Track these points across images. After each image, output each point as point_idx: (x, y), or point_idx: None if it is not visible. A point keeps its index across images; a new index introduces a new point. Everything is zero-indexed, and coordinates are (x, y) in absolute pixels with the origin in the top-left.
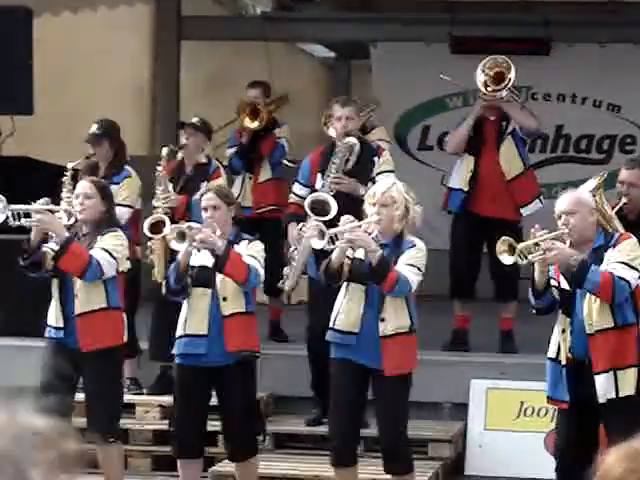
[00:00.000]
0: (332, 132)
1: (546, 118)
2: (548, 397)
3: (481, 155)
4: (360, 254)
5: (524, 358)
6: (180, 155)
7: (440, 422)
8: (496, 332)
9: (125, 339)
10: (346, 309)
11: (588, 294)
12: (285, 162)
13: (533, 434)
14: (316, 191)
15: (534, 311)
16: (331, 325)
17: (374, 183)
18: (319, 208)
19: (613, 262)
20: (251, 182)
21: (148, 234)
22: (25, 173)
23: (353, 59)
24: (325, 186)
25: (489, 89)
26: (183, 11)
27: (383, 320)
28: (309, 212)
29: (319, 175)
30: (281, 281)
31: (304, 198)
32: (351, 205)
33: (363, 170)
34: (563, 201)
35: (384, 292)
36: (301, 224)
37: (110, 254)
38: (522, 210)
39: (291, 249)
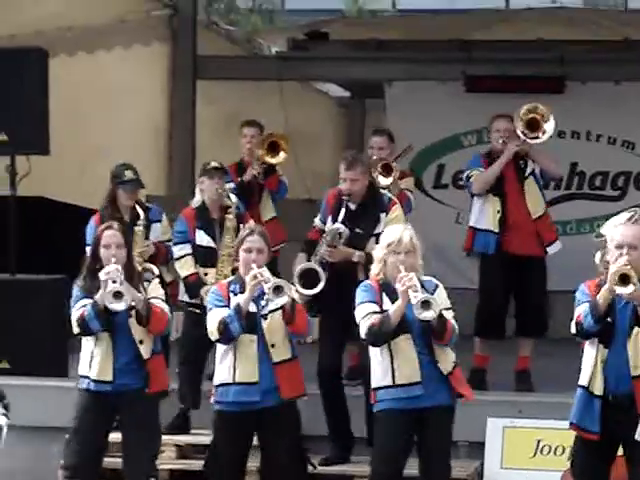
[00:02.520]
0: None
1: (561, 155)
2: (572, 424)
3: (507, 195)
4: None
5: (540, 396)
6: (197, 200)
7: (457, 461)
8: (512, 370)
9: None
10: (402, 361)
11: (635, 333)
12: None
13: (549, 473)
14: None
15: (576, 332)
16: (389, 383)
17: (377, 242)
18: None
19: None
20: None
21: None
22: (41, 213)
23: (368, 98)
24: (318, 255)
25: (529, 136)
26: (199, 51)
27: (437, 362)
28: (298, 286)
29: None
30: None
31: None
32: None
33: (367, 227)
34: (628, 233)
35: (441, 344)
36: None
37: (166, 302)
38: (548, 249)
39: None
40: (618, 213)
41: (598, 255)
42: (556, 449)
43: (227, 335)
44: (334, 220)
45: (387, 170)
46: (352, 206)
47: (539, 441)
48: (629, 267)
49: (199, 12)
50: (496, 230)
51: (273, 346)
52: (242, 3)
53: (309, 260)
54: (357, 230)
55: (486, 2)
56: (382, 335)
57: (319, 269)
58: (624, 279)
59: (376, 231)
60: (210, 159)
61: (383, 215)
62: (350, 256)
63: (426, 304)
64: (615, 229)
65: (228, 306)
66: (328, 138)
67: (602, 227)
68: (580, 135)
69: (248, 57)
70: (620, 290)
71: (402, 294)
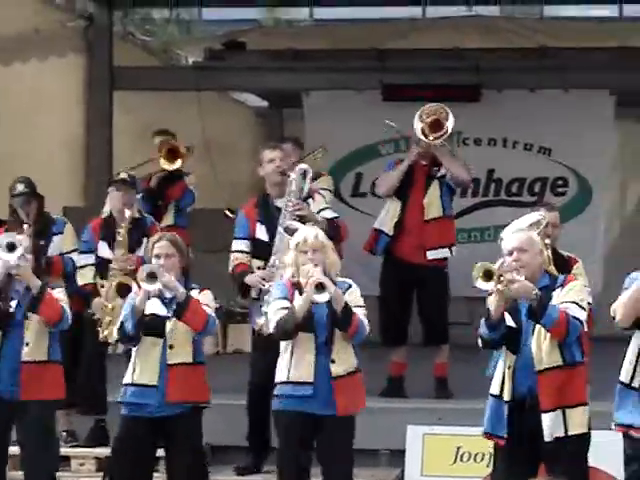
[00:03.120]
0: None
1: (477, 163)
2: (487, 433)
3: (408, 199)
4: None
5: (459, 403)
6: (106, 211)
7: (378, 469)
8: (431, 378)
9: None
10: (297, 359)
11: (537, 331)
12: (226, 212)
13: (470, 479)
14: (258, 240)
15: (482, 344)
16: (283, 379)
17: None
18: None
19: (565, 302)
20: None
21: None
22: None
23: (285, 108)
24: (287, 217)
25: (429, 137)
26: (115, 61)
27: (334, 362)
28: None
29: (258, 224)
30: (259, 326)
31: (248, 252)
32: None
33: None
34: (515, 238)
35: (349, 338)
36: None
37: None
38: (428, 253)
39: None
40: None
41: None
42: (476, 456)
43: (124, 334)
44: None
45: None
46: (278, 203)
47: (459, 448)
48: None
49: (115, 23)
50: (390, 233)
51: (172, 347)
52: (158, 13)
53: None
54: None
55: (402, 11)
56: (288, 330)
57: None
58: (488, 274)
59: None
60: (126, 169)
61: (310, 201)
62: (314, 218)
63: (320, 286)
64: (507, 235)
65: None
66: (246, 148)
67: (503, 232)
68: (497, 142)
69: (165, 67)
70: (480, 285)
71: (305, 287)
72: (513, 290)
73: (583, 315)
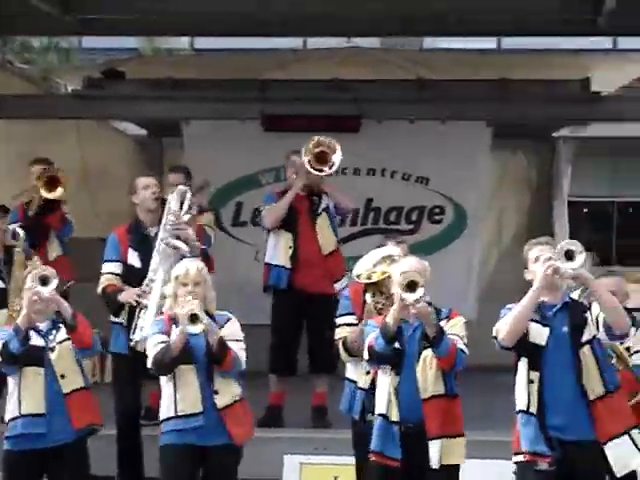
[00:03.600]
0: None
1: (356, 192)
2: (375, 452)
3: (299, 231)
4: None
5: (337, 433)
6: None
7: None
8: (309, 407)
9: None
10: (182, 393)
11: (422, 359)
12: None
13: None
14: (130, 266)
15: (369, 356)
16: (171, 414)
17: None
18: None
19: (451, 334)
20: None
21: None
22: None
23: (165, 137)
24: (166, 234)
25: (316, 169)
26: None
27: (217, 392)
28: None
29: (130, 250)
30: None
31: (119, 274)
32: None
33: None
34: (408, 265)
35: (221, 371)
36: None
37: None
38: (336, 285)
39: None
40: (414, 245)
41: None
42: None
43: (6, 354)
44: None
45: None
46: (152, 230)
47: (336, 478)
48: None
49: None
50: (288, 266)
51: (63, 377)
52: (37, 41)
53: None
54: None
55: (284, 42)
56: (165, 364)
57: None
58: (411, 286)
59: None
60: (5, 198)
61: None
62: (192, 241)
63: (194, 318)
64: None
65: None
66: (124, 176)
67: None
68: (375, 172)
69: (44, 95)
70: (407, 296)
71: (181, 319)
72: (422, 310)
73: (466, 349)
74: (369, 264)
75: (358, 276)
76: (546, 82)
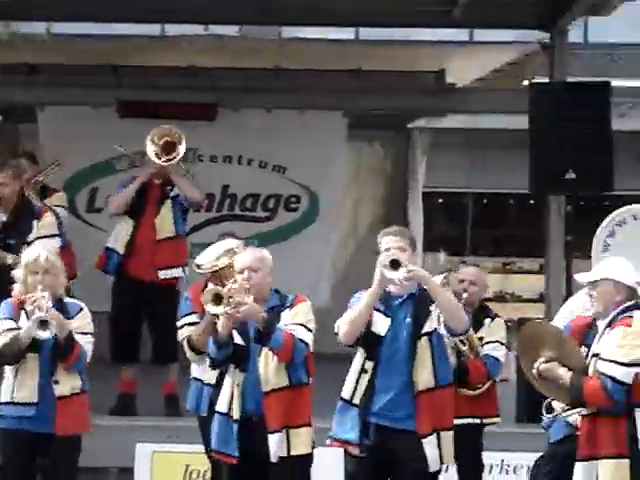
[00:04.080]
0: None
1: (213, 179)
2: (214, 450)
3: (141, 218)
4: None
5: (189, 421)
6: None
7: None
8: (162, 395)
9: None
10: (20, 380)
11: (264, 352)
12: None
13: None
14: None
15: (210, 363)
16: (7, 399)
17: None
18: None
19: (293, 324)
20: None
21: None
22: None
23: (21, 123)
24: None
25: (162, 160)
26: None
27: (57, 383)
28: None
29: None
30: None
31: None
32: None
33: (18, 233)
34: (247, 257)
35: (67, 368)
36: None
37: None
38: (159, 273)
39: None
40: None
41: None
42: (205, 473)
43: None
44: None
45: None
46: (3, 217)
47: (188, 466)
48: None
49: None
50: (121, 252)
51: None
52: None
53: None
54: (10, 241)
55: (140, 29)
56: (12, 353)
57: None
58: (217, 299)
59: (29, 238)
60: None
61: (35, 222)
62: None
63: (44, 324)
64: (239, 256)
65: None
66: None
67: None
68: (232, 159)
69: None
70: (211, 309)
71: (31, 322)
72: (242, 313)
73: (309, 337)
74: (212, 256)
75: (199, 266)
76: (402, 73)
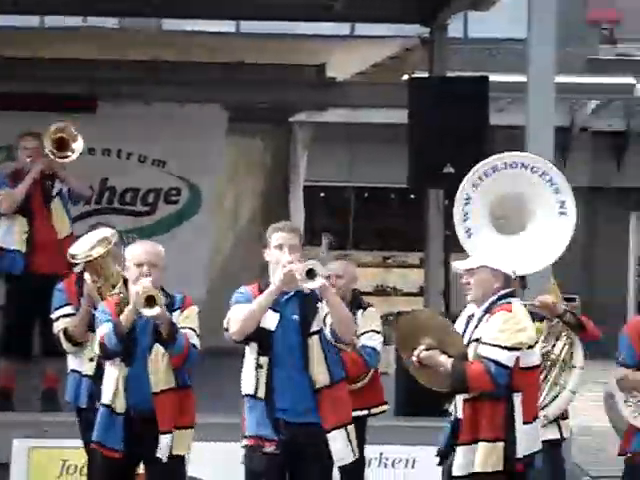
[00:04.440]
0: None
1: (91, 172)
2: (96, 442)
3: (33, 215)
4: None
5: (66, 416)
6: None
7: None
8: (40, 390)
9: None
10: None
11: (154, 352)
12: None
13: None
14: None
15: (102, 353)
16: None
17: None
18: None
19: (185, 327)
20: None
21: None
22: None
23: None
24: None
25: (57, 155)
26: None
27: None
28: None
29: None
30: None
31: None
32: None
33: None
34: (144, 252)
35: None
36: None
37: None
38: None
39: None
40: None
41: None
42: (82, 468)
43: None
44: None
45: None
46: None
47: (65, 461)
48: (154, 288)
49: None
50: (23, 250)
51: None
52: None
53: None
54: None
55: (21, 20)
56: None
57: None
58: (150, 300)
59: None
60: None
61: None
62: None
63: None
64: (131, 248)
65: None
66: None
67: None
68: (111, 153)
69: None
70: (147, 312)
71: None
72: (159, 314)
73: (198, 342)
74: (86, 246)
75: (73, 257)
76: (282, 67)
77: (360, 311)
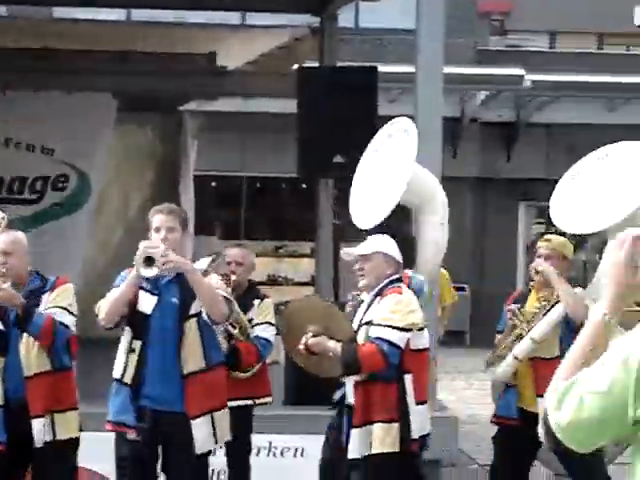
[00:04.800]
0: None
1: None
2: None
3: None
4: None
5: None
6: None
7: None
8: None
9: None
10: None
11: (25, 336)
12: None
13: None
14: None
15: None
16: None
17: None
18: None
19: (52, 307)
20: None
21: None
22: None
23: None
24: None
25: None
26: None
27: None
28: None
29: None
30: None
31: None
32: None
33: None
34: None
35: None
36: None
37: None
38: None
39: None
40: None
41: None
42: None
43: None
44: None
45: None
46: None
47: None
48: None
49: None
50: None
51: None
52: None
53: None
54: None
55: None
56: None
57: None
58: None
59: None
60: None
61: None
62: None
63: None
64: None
65: None
66: None
67: None
68: None
69: None
70: None
71: None
72: (2, 295)
73: (70, 320)
74: None
75: None
76: (172, 55)
77: (257, 301)
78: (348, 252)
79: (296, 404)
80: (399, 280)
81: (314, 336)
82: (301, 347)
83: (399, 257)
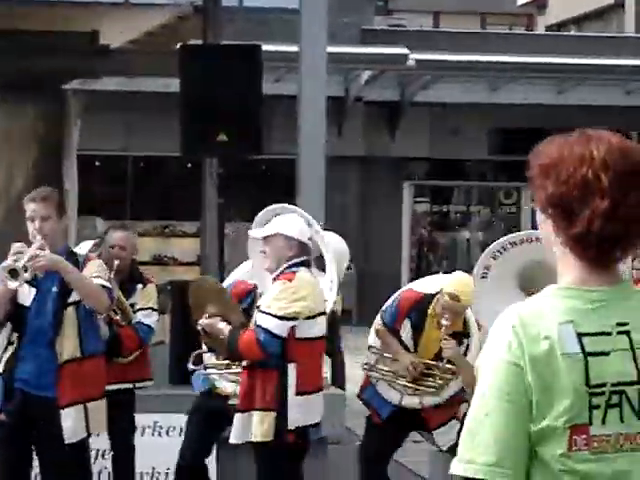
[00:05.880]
0: None
1: None
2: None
3: None
4: None
5: None
6: None
7: None
8: None
9: None
10: None
11: None
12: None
13: None
14: None
15: None
16: None
17: None
18: None
19: None
20: None
21: None
22: None
23: None
24: None
25: None
26: None
27: None
28: None
29: None
30: None
31: None
32: None
33: None
34: None
35: None
36: None
37: None
38: None
39: None
40: None
41: None
42: None
43: None
44: None
45: None
46: None
47: None
48: None
49: None
50: None
51: None
52: None
53: None
54: None
55: None
56: None
57: None
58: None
59: None
60: None
61: None
62: None
63: None
64: None
65: None
66: None
67: None
68: None
69: None
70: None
71: None
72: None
73: None
74: None
75: None
76: (53, 33)
77: (140, 286)
78: (252, 234)
79: (181, 384)
80: (302, 264)
81: (210, 317)
82: (199, 327)
83: (304, 239)
